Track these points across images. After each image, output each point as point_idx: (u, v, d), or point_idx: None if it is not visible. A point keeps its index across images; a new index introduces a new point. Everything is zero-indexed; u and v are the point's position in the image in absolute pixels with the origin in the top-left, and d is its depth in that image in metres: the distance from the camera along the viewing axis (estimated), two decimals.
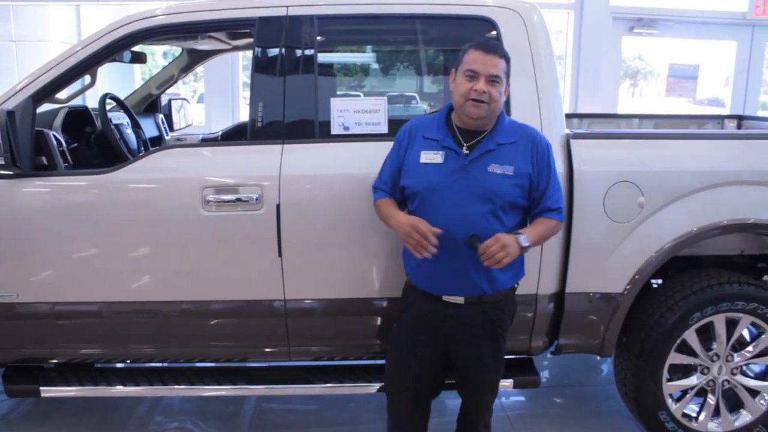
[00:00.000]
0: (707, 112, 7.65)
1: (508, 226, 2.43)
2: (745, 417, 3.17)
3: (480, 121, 2.43)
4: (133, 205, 2.86)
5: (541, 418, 3.61)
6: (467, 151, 2.44)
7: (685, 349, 3.07)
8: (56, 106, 3.42)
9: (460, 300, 2.48)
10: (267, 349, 3.08)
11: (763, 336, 3.09)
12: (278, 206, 2.81)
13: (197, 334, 3.02)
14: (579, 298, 2.99)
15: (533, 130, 2.58)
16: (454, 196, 2.40)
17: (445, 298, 2.49)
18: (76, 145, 3.62)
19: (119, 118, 3.91)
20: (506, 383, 3.06)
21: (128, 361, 3.19)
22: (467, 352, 2.57)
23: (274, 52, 2.93)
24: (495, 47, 2.42)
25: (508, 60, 2.43)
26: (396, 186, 2.57)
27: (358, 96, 4.03)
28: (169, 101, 4.86)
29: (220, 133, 4.73)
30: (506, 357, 3.14)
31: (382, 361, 2.94)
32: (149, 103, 4.65)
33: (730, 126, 4.86)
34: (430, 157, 2.46)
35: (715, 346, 3.10)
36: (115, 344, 3.07)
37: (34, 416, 3.58)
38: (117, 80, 8.25)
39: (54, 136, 3.02)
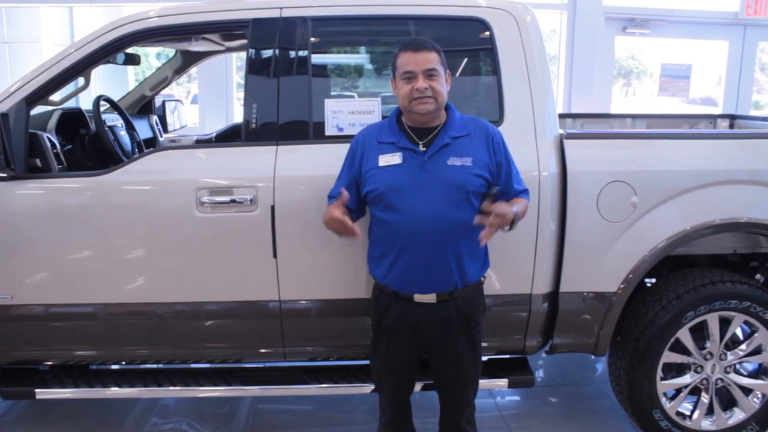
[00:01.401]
0: (700, 112, 7.67)
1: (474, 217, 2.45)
2: (738, 415, 3.19)
3: (430, 116, 2.47)
4: (128, 206, 2.86)
5: (535, 417, 3.63)
6: (424, 149, 2.47)
7: (679, 347, 3.09)
8: (50, 108, 3.42)
9: (432, 299, 2.50)
10: (262, 350, 3.08)
11: (756, 334, 3.11)
12: (273, 207, 2.81)
13: (192, 335, 3.02)
14: (573, 298, 3.00)
15: (484, 121, 2.62)
16: (419, 193, 2.42)
17: (417, 298, 2.51)
18: (70, 147, 3.62)
19: (113, 119, 3.90)
20: (501, 383, 3.08)
21: (123, 363, 3.20)
22: (444, 350, 2.59)
23: (267, 53, 2.94)
24: (422, 43, 2.46)
25: (438, 51, 2.47)
26: (350, 194, 2.56)
27: (352, 97, 4.04)
28: (163, 103, 4.85)
29: (214, 135, 4.73)
30: (501, 357, 3.19)
31: None
32: (143, 105, 4.64)
33: (723, 125, 4.88)
34: (389, 159, 2.48)
35: (708, 344, 3.11)
36: (110, 346, 3.06)
37: (29, 418, 3.58)
38: (111, 82, 8.23)
39: (48, 138, 3.01)
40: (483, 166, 2.47)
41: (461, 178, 2.43)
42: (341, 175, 2.63)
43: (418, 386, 2.88)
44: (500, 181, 2.52)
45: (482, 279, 2.63)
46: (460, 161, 2.45)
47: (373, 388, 3.02)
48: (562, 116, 4.68)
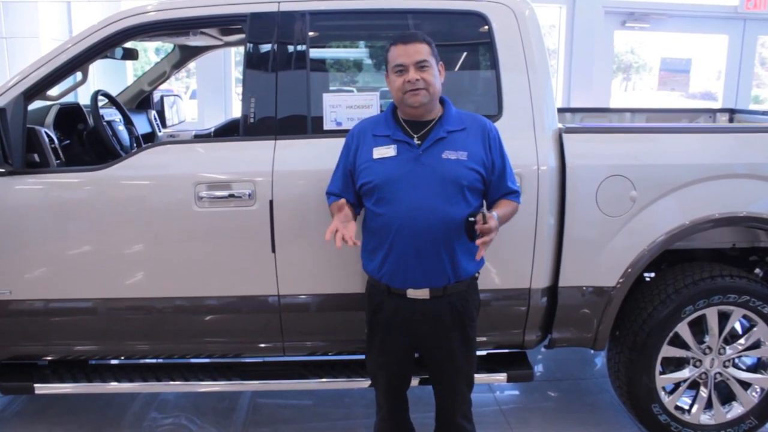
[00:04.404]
0: (699, 106, 7.68)
1: (469, 210, 2.44)
2: (737, 409, 3.19)
3: (423, 108, 2.46)
4: (126, 201, 2.86)
5: (535, 411, 3.63)
6: (419, 142, 2.46)
7: (678, 342, 3.09)
8: (48, 103, 3.41)
9: (425, 294, 2.49)
10: (261, 345, 3.08)
11: (754, 328, 3.11)
12: (271, 202, 2.81)
13: (191, 330, 3.02)
14: (572, 292, 3.00)
15: (481, 117, 2.61)
16: (413, 186, 2.41)
17: (411, 294, 2.50)
18: (68, 142, 3.61)
19: (111, 114, 3.90)
20: (500, 377, 3.08)
21: (122, 358, 3.20)
22: (438, 347, 2.59)
23: (266, 47, 2.93)
24: (412, 36, 2.46)
25: (429, 42, 2.46)
26: (348, 189, 2.58)
27: (351, 91, 4.03)
28: (162, 98, 4.84)
29: (212, 130, 4.72)
30: (500, 351, 3.19)
31: None
32: (141, 100, 4.63)
33: (722, 119, 4.87)
34: (383, 152, 2.48)
35: (707, 339, 3.11)
36: (109, 341, 3.07)
37: (28, 414, 3.58)
38: (109, 77, 8.22)
39: (46, 133, 3.01)
40: (478, 161, 2.46)
41: (456, 172, 2.42)
42: (337, 168, 2.63)
43: (414, 381, 2.87)
44: (494, 177, 2.51)
45: (476, 275, 2.62)
46: (454, 155, 2.44)
47: (371, 382, 3.02)
48: (561, 110, 4.66)
